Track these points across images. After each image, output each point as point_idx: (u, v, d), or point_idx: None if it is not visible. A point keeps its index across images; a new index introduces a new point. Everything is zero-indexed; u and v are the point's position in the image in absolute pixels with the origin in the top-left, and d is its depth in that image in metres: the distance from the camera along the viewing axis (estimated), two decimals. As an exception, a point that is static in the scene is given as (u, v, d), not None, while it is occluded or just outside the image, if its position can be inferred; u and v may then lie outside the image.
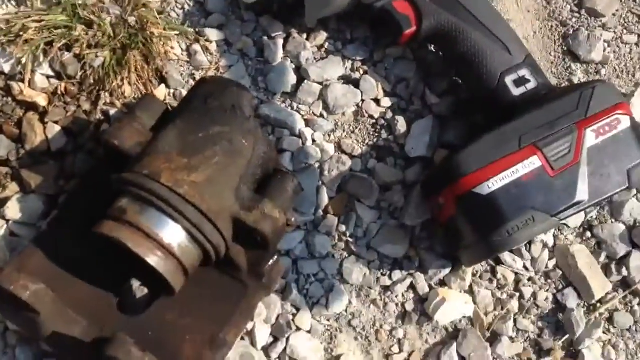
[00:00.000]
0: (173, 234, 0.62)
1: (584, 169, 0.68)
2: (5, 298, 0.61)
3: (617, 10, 0.90)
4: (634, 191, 0.83)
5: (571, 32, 0.89)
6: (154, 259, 0.61)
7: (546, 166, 0.68)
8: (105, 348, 0.58)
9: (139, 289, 0.71)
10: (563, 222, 0.70)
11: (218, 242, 0.64)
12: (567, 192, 0.67)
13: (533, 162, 0.68)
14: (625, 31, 0.90)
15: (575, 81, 0.86)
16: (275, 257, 0.70)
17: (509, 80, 0.73)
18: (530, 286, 0.80)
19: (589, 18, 0.89)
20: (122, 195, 0.63)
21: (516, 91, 0.73)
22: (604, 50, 0.88)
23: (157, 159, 0.63)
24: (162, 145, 0.64)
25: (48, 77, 0.77)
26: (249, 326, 0.73)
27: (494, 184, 0.68)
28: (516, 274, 0.80)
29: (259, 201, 0.65)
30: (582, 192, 0.68)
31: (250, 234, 0.65)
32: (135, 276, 0.70)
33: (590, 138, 0.69)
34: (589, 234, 0.82)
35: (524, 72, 0.73)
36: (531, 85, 0.73)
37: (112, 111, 0.78)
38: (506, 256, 0.80)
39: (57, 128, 0.76)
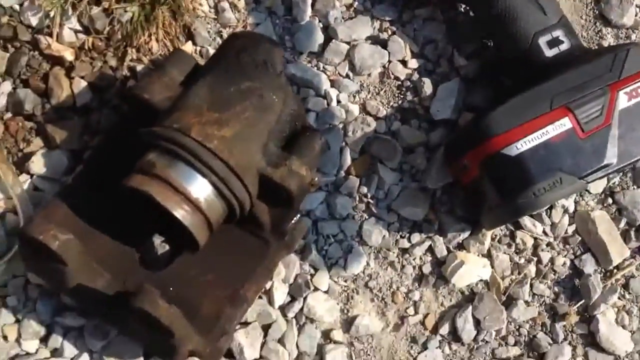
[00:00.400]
0: (200, 188, 0.60)
1: (614, 132, 0.66)
2: (32, 248, 0.60)
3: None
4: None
5: (603, -6, 0.85)
6: (181, 213, 0.59)
7: (577, 128, 0.66)
8: (132, 299, 0.57)
9: (160, 245, 0.70)
10: (588, 185, 0.67)
11: (244, 197, 0.62)
12: (596, 155, 0.65)
13: (564, 124, 0.66)
14: (658, -5, 0.86)
15: (606, 45, 0.83)
16: (298, 216, 0.68)
17: (542, 41, 0.70)
18: (548, 251, 0.78)
19: (622, -19, 0.86)
20: (151, 149, 0.61)
21: (549, 52, 0.70)
22: (636, 15, 0.84)
23: (187, 113, 0.61)
24: (192, 99, 0.62)
25: (76, 31, 0.75)
26: (267, 285, 0.72)
27: (523, 145, 0.65)
28: (535, 238, 0.78)
29: (286, 158, 0.64)
30: (611, 155, 0.65)
31: (276, 191, 0.63)
32: (158, 232, 0.68)
33: (623, 100, 0.66)
34: (610, 200, 0.80)
35: (558, 33, 0.70)
36: (564, 46, 0.70)
37: (139, 67, 0.75)
38: (526, 221, 0.78)
39: (83, 83, 0.74)
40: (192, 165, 0.60)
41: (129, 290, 0.62)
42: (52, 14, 0.73)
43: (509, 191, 0.67)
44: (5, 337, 0.67)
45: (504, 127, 0.66)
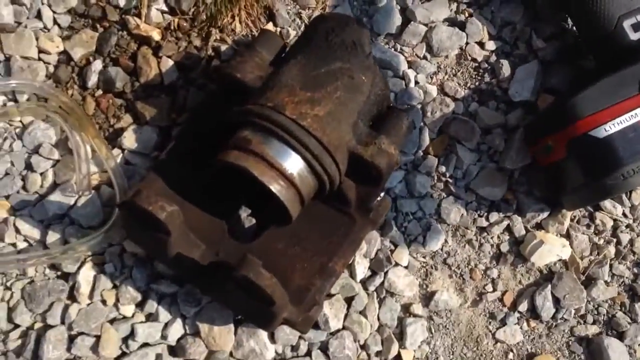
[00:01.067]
0: (294, 164, 0.64)
1: (702, 114, 0.68)
2: (137, 217, 0.64)
3: None
4: None
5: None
6: (277, 188, 0.64)
7: (665, 111, 0.68)
8: (236, 268, 0.61)
9: (247, 219, 0.75)
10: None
11: (335, 174, 0.66)
12: (685, 138, 0.67)
13: (652, 107, 0.68)
14: None
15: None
16: (382, 193, 0.72)
17: (627, 24, 0.72)
18: (627, 233, 0.81)
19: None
20: (245, 126, 0.66)
21: (634, 35, 0.72)
22: None
23: (280, 92, 0.65)
24: (284, 78, 0.66)
25: (162, 12, 0.80)
26: (354, 256, 0.76)
27: (611, 127, 0.68)
28: (615, 220, 0.81)
29: (376, 137, 0.67)
30: (700, 138, 0.68)
31: (365, 168, 0.67)
32: (246, 205, 0.74)
33: None
34: (691, 182, 0.82)
35: (643, 16, 0.73)
36: (650, 30, 0.72)
37: (223, 48, 0.80)
38: (606, 202, 0.81)
39: (170, 62, 0.79)
40: (287, 142, 0.64)
41: (222, 260, 0.67)
42: (139, -5, 0.78)
43: (597, 173, 0.70)
44: (104, 302, 0.73)
45: (591, 109, 0.69)
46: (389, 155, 0.67)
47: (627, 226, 0.81)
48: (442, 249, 0.80)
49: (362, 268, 0.77)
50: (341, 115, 0.66)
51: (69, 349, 0.72)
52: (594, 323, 0.80)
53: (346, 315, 0.76)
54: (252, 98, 0.66)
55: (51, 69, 0.78)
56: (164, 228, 0.63)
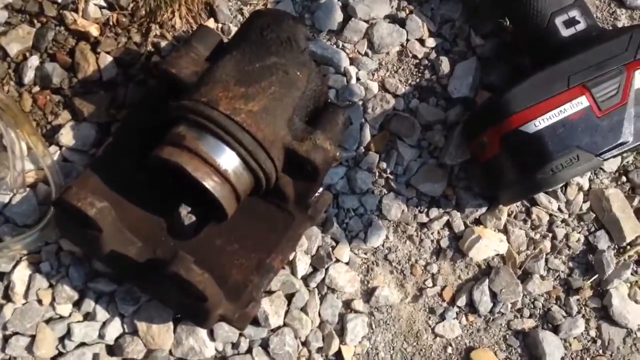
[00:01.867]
0: (229, 160, 0.65)
1: (630, 110, 0.69)
2: (69, 215, 0.64)
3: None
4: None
5: (618, -24, 0.89)
6: (210, 184, 0.64)
7: (593, 106, 0.70)
8: (168, 265, 0.61)
9: (187, 216, 0.74)
10: (603, 162, 0.71)
11: (270, 170, 0.66)
12: (613, 133, 0.69)
13: (581, 102, 0.69)
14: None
15: (620, 26, 0.87)
16: (321, 189, 0.73)
17: (559, 20, 0.74)
18: (563, 227, 0.83)
19: (638, -38, 0.89)
20: (180, 122, 0.66)
21: (565, 32, 0.74)
22: None
23: (214, 88, 0.65)
24: (219, 74, 0.66)
25: (100, 7, 0.79)
26: (290, 256, 0.76)
27: (541, 123, 0.69)
28: (550, 215, 0.83)
29: (311, 132, 0.68)
30: (628, 133, 0.69)
31: (301, 164, 0.68)
32: (185, 201, 0.73)
33: (639, 80, 0.70)
34: (624, 178, 0.85)
35: (574, 13, 0.74)
36: (581, 26, 0.74)
37: (163, 43, 0.79)
38: (541, 197, 0.82)
39: (109, 58, 0.78)
40: (221, 137, 0.64)
41: (159, 257, 0.67)
42: (77, -10, 0.77)
43: (528, 167, 0.71)
44: (39, 301, 0.72)
45: (522, 104, 0.70)
46: (324, 151, 0.67)
47: (563, 221, 0.83)
48: (383, 245, 0.81)
49: (303, 264, 0.77)
50: (276, 111, 0.66)
51: (3, 349, 0.71)
52: (530, 317, 0.81)
53: (287, 312, 0.76)
54: (188, 93, 0.66)
55: (-14, 64, 0.76)
56: (94, 225, 0.63)
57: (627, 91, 0.69)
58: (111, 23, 0.79)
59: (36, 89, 0.77)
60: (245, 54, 0.67)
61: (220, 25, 0.82)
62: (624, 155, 0.82)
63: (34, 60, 0.77)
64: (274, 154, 0.66)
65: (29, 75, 0.77)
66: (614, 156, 0.72)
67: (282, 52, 0.67)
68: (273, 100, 0.66)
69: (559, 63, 0.71)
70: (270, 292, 0.76)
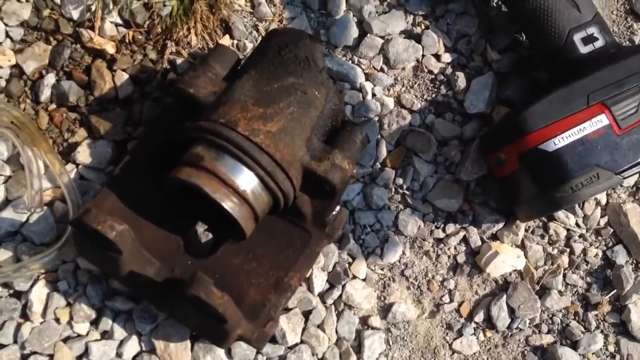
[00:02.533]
0: (247, 180, 0.65)
1: (650, 128, 0.69)
2: (88, 236, 0.64)
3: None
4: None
5: (635, -9, 0.88)
6: (229, 205, 0.64)
7: (613, 125, 0.69)
8: (187, 287, 0.61)
9: (203, 234, 0.75)
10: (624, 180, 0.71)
11: (289, 190, 0.67)
12: (633, 151, 0.69)
13: (600, 120, 0.69)
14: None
15: (636, 40, 0.87)
16: (338, 207, 0.73)
17: (577, 37, 0.74)
18: (581, 242, 0.83)
19: (654, -23, 0.89)
20: (198, 142, 0.66)
21: (584, 49, 0.73)
22: None
23: (233, 108, 0.65)
24: (237, 94, 0.66)
25: (116, 25, 0.79)
26: (307, 274, 0.76)
27: (560, 141, 0.69)
28: (568, 230, 0.83)
29: (329, 152, 0.68)
30: (648, 152, 0.69)
31: (319, 183, 0.68)
32: (202, 220, 0.73)
33: None
34: (642, 192, 0.84)
35: (593, 30, 0.74)
36: (599, 43, 0.74)
37: (179, 61, 0.80)
38: (559, 213, 0.82)
39: (125, 76, 0.78)
40: (240, 158, 0.64)
41: (177, 277, 0.67)
42: (93, 7, 0.77)
43: (547, 185, 0.71)
44: (57, 320, 0.72)
45: (541, 123, 0.70)
46: (342, 170, 0.67)
47: (580, 236, 0.83)
48: (399, 261, 0.81)
49: (320, 281, 0.77)
50: (294, 131, 0.66)
51: (21, 369, 0.71)
52: (548, 332, 0.81)
53: (304, 329, 0.76)
54: (205, 113, 0.66)
55: (3, 83, 0.77)
56: (114, 247, 0.63)
57: None
58: (127, 40, 0.79)
59: (52, 106, 0.78)
60: (263, 74, 0.68)
61: (235, 41, 0.82)
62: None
63: (50, 78, 0.77)
64: (293, 174, 0.66)
65: (45, 93, 0.77)
66: (635, 174, 0.71)
67: (300, 71, 0.68)
68: (292, 120, 0.66)
69: (578, 81, 0.70)
70: (287, 310, 0.76)
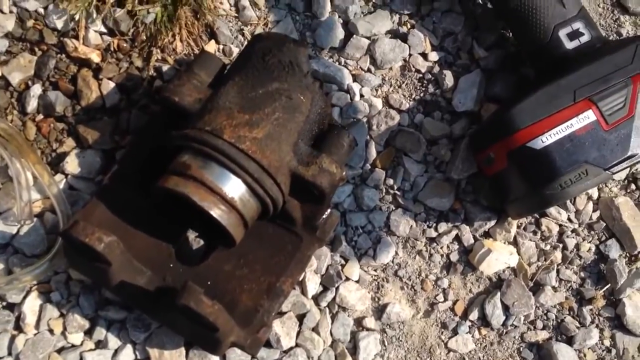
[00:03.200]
0: (235, 188, 0.64)
1: (637, 123, 0.69)
2: (77, 248, 0.64)
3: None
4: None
5: (622, -17, 0.88)
6: (217, 212, 0.63)
7: (600, 120, 0.69)
8: (178, 297, 0.61)
9: (195, 241, 0.75)
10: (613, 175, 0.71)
11: (277, 196, 0.66)
12: (621, 146, 0.69)
13: (587, 116, 0.69)
14: (678, -17, 0.89)
15: (624, 33, 0.87)
16: (329, 210, 0.72)
17: (562, 33, 0.73)
18: (573, 237, 0.83)
19: (642, -31, 0.88)
20: (184, 151, 0.65)
21: (570, 44, 0.73)
22: None
23: (218, 116, 0.65)
24: (222, 101, 0.66)
25: (101, 33, 0.79)
26: (299, 278, 0.76)
27: (548, 139, 0.69)
28: (560, 225, 0.83)
29: (317, 156, 0.68)
30: (636, 146, 0.69)
31: (308, 188, 0.68)
32: (192, 227, 0.73)
33: None
34: (633, 186, 0.84)
35: (578, 25, 0.73)
36: (585, 38, 0.73)
37: (165, 67, 0.79)
38: (551, 208, 0.82)
39: (111, 84, 0.78)
40: (226, 166, 0.63)
41: (169, 285, 0.67)
42: (76, 17, 0.77)
43: (536, 183, 0.71)
44: (51, 331, 0.72)
45: (528, 120, 0.69)
46: (330, 174, 0.67)
47: (573, 231, 0.83)
48: (392, 261, 0.81)
49: (313, 284, 0.77)
50: (280, 137, 0.66)
51: (16, 381, 0.71)
52: (543, 328, 0.81)
53: (298, 333, 0.76)
54: (191, 121, 0.66)
55: (-11, 95, 0.77)
56: (103, 259, 0.63)
57: (633, 104, 0.69)
58: (112, 49, 0.79)
59: (40, 117, 0.77)
60: (247, 80, 0.67)
61: (221, 46, 0.81)
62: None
63: (36, 89, 0.77)
64: (280, 180, 0.66)
65: (31, 104, 0.77)
66: (624, 169, 0.71)
67: (285, 76, 0.67)
68: (277, 126, 0.66)
69: (564, 77, 0.70)
70: (281, 314, 0.76)
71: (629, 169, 0.83)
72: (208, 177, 0.63)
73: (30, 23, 0.78)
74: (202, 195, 0.63)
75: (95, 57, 0.78)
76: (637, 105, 0.69)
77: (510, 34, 0.82)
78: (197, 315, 0.61)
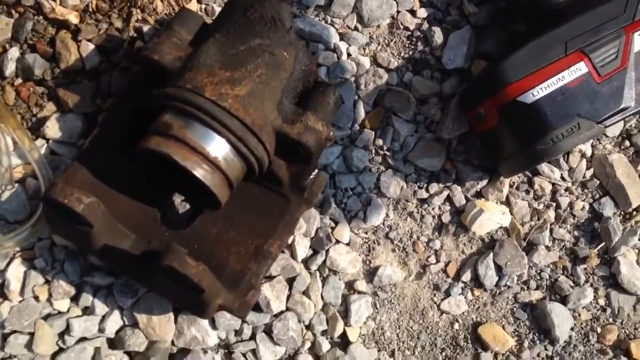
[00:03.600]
0: (218, 147, 0.63)
1: (630, 75, 0.67)
2: (58, 211, 0.63)
3: None
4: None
5: None
6: (200, 172, 0.62)
7: (593, 72, 0.67)
8: (161, 258, 0.60)
9: (181, 205, 0.73)
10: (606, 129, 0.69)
11: (262, 155, 0.65)
12: (614, 99, 0.67)
13: (579, 69, 0.67)
14: None
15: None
16: (316, 171, 0.71)
17: (553, -15, 0.71)
18: (567, 196, 0.82)
19: None
20: (166, 110, 0.64)
21: None
22: None
23: (199, 73, 0.63)
24: (203, 59, 0.64)
25: (79, -7, 0.77)
26: (289, 240, 0.75)
27: (539, 92, 0.67)
28: (553, 184, 0.81)
29: (302, 114, 0.66)
30: (629, 98, 0.67)
31: (293, 147, 0.66)
32: (178, 191, 0.72)
33: (638, 42, 0.68)
34: (627, 142, 0.83)
35: (570, -24, 0.71)
36: (576, -12, 0.71)
37: (145, 28, 0.77)
38: (543, 166, 0.81)
39: (91, 46, 0.76)
40: (209, 124, 0.62)
41: (154, 249, 0.66)
42: (54, -23, 0.74)
43: (527, 138, 0.69)
44: (36, 298, 0.72)
45: (518, 74, 0.68)
46: (316, 132, 0.66)
47: (566, 189, 0.82)
48: (383, 224, 0.79)
49: (302, 247, 0.76)
50: (264, 94, 0.64)
51: (2, 348, 0.71)
52: (537, 289, 0.81)
53: (289, 297, 0.75)
54: (172, 80, 0.64)
55: (-35, 59, 0.75)
56: (84, 220, 0.62)
57: (626, 55, 0.67)
58: (91, 9, 0.77)
59: (18, 81, 0.76)
60: (229, 37, 0.65)
61: (203, 6, 0.79)
62: (627, 119, 0.80)
63: (14, 52, 0.75)
64: (265, 139, 0.64)
65: (10, 68, 0.75)
66: (617, 122, 0.70)
67: (267, 32, 0.65)
68: (260, 83, 0.64)
69: (555, 29, 0.68)
70: (270, 277, 0.75)
71: (622, 124, 0.82)
72: (190, 137, 0.62)
73: (7, -15, 0.76)
74: (185, 155, 0.62)
75: (74, 19, 0.76)
76: (630, 57, 0.68)
77: (501, -12, 0.80)
78: (181, 276, 0.60)
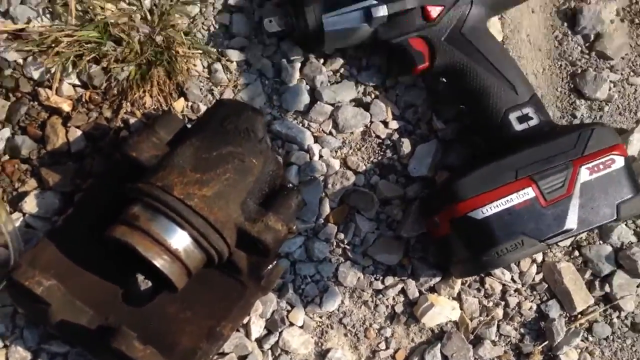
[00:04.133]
0: (180, 240, 0.60)
1: (575, 201, 0.65)
2: (19, 290, 0.60)
3: (625, 54, 0.83)
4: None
5: (579, 71, 0.82)
6: (160, 262, 0.59)
7: (539, 197, 0.65)
8: (110, 340, 0.57)
9: (143, 282, 0.68)
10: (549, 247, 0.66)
11: (222, 248, 0.62)
12: (557, 221, 0.64)
13: (527, 193, 0.65)
14: (632, 73, 0.83)
15: (579, 115, 0.81)
16: (275, 261, 0.67)
17: (512, 116, 0.69)
18: (516, 296, 0.76)
19: (598, 60, 0.82)
20: (135, 202, 0.61)
21: (519, 127, 0.69)
22: (609, 90, 0.82)
23: (171, 173, 0.61)
24: (177, 160, 0.62)
25: (74, 85, 0.73)
26: (245, 320, 0.70)
27: (488, 210, 0.65)
28: (504, 284, 0.76)
29: (264, 214, 0.63)
30: (572, 222, 0.65)
31: (254, 243, 0.63)
32: (142, 272, 0.68)
33: (585, 174, 0.66)
34: (577, 253, 0.78)
35: (528, 110, 0.70)
36: (534, 122, 0.69)
37: (132, 120, 0.73)
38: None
39: (79, 132, 0.72)
40: (173, 219, 0.60)
41: (111, 325, 0.62)
42: (53, 70, 0.71)
43: (475, 249, 0.66)
44: (-7, 362, 0.66)
45: (471, 192, 0.65)
46: (275, 231, 0.62)
47: (516, 290, 0.76)
48: (338, 310, 0.74)
49: (257, 327, 0.71)
50: (230, 195, 0.61)
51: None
52: (480, 382, 0.74)
53: (240, 375, 0.69)
54: (146, 176, 0.62)
55: (-43, 135, 0.70)
56: (42, 300, 0.60)
57: (572, 184, 0.65)
58: (84, 100, 0.73)
59: (5, 157, 0.71)
60: (204, 142, 0.63)
61: (190, 103, 0.75)
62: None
63: (5, 132, 0.71)
64: (226, 234, 0.61)
65: (-2, 146, 0.71)
66: (560, 241, 0.67)
67: (240, 141, 0.63)
68: (227, 186, 0.61)
69: (509, 156, 0.66)
70: (223, 354, 0.69)
71: (574, 237, 0.77)
72: (154, 229, 0.59)
73: (8, 72, 0.72)
74: (147, 246, 0.59)
75: (66, 107, 0.72)
76: (576, 186, 0.65)
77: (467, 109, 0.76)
78: (129, 358, 0.57)
